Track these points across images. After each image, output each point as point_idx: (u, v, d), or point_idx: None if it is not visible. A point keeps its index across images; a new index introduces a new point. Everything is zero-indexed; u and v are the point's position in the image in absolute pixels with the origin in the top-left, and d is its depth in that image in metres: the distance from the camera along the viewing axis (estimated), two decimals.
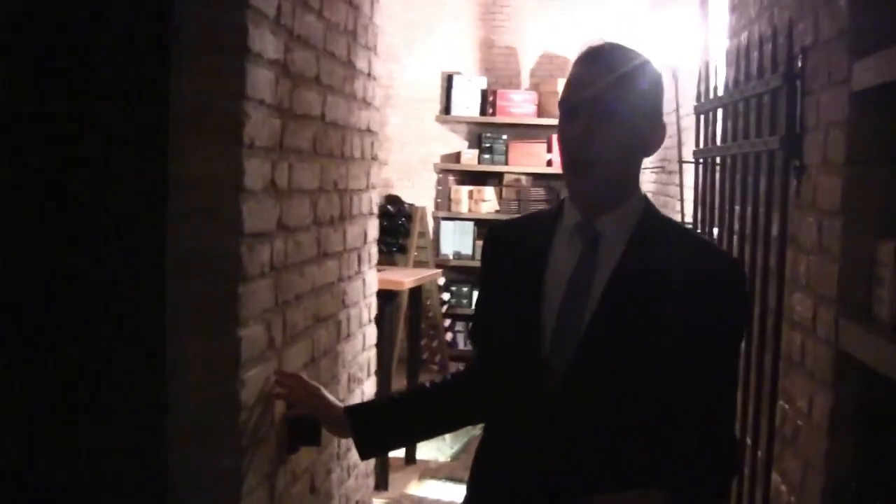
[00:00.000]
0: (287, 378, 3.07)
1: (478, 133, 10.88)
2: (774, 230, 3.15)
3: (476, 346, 2.76)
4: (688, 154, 6.35)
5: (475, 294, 10.46)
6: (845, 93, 2.52)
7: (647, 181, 9.21)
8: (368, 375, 4.43)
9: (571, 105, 2.26)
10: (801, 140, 2.92)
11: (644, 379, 2.23)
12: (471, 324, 2.82)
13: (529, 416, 2.32)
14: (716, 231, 4.15)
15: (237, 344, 2.73)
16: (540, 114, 10.63)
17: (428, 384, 2.86)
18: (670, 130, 7.49)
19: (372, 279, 4.42)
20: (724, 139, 3.99)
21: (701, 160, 4.46)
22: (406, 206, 9.71)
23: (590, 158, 2.24)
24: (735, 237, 3.72)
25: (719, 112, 4.11)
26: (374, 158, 4.38)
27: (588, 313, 2.27)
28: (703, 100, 4.36)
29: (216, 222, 2.71)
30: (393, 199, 9.75)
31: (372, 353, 4.49)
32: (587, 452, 2.26)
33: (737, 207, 3.72)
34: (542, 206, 9.89)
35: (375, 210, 4.40)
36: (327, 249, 3.62)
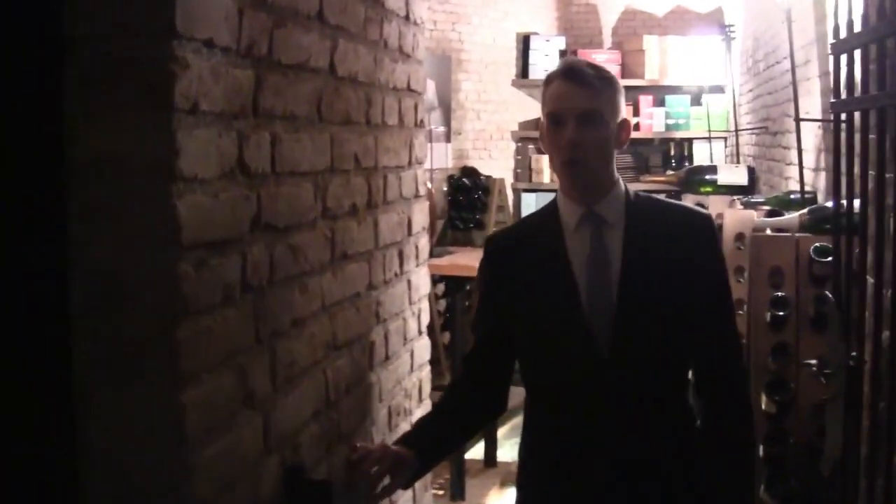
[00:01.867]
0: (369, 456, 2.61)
1: None
2: None
3: (479, 349, 2.82)
4: (808, 109, 5.23)
5: None
6: None
7: (746, 144, 8.08)
8: (420, 401, 3.39)
9: (558, 116, 2.53)
10: None
11: (671, 329, 2.57)
12: (475, 327, 2.87)
13: (586, 391, 2.55)
14: (856, 204, 3.07)
15: (179, 412, 1.72)
16: (624, 74, 9.63)
17: (448, 396, 2.87)
18: (783, 82, 6.34)
19: (422, 279, 3.39)
20: (881, 85, 2.87)
21: (843, 115, 3.31)
22: (482, 178, 8.82)
23: (581, 158, 2.52)
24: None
25: (870, 51, 2.98)
26: (420, 125, 3.35)
27: (614, 287, 2.54)
28: (844, 35, 3.23)
29: (136, 228, 1.69)
30: (468, 172, 8.89)
31: (424, 373, 3.44)
32: (639, 407, 2.55)
33: None
34: (630, 174, 8.96)
35: (423, 191, 3.37)
36: (348, 250, 2.61)
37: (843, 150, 3.34)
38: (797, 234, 3.97)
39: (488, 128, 9.46)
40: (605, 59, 9.75)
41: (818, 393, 3.69)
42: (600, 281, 2.55)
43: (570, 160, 2.53)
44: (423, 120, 3.38)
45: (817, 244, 3.80)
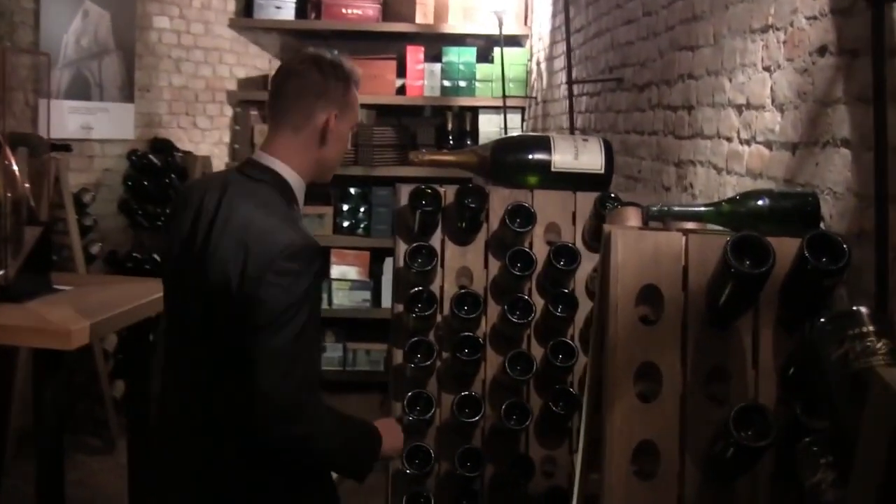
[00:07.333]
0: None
1: (295, 46, 7.05)
2: None
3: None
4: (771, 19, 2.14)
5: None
6: None
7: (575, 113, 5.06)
8: None
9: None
10: None
11: None
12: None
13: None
14: None
15: None
16: (387, 17, 7.07)
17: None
18: None
19: None
20: None
21: None
22: (178, 155, 5.71)
23: None
24: None
25: None
26: None
27: None
28: None
29: None
30: (159, 146, 5.97)
31: None
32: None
33: None
34: (389, 153, 6.86)
35: None
36: None
37: None
38: None
39: (193, 84, 6.38)
40: None
41: None
42: None
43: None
44: None
45: None
